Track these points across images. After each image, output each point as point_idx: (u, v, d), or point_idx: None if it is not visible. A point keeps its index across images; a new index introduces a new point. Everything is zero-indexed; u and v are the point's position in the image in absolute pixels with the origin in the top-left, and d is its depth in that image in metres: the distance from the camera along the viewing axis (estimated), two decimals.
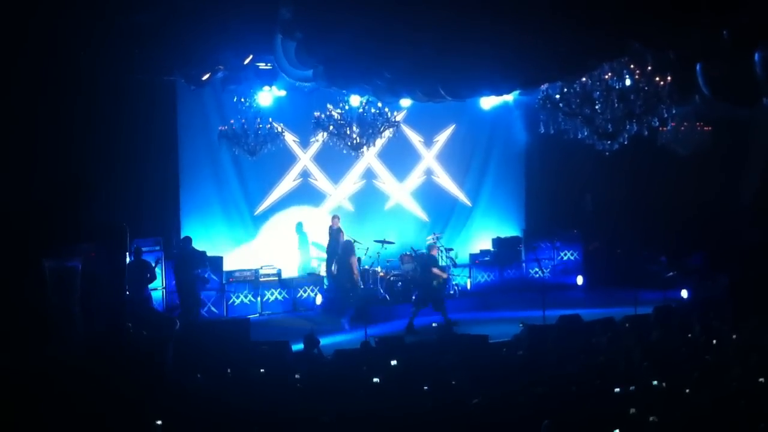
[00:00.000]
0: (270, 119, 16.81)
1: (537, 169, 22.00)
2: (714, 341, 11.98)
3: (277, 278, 18.54)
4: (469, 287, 19.93)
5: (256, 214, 19.33)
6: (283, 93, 17.38)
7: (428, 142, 21.25)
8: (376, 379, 10.16)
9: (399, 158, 20.76)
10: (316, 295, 18.48)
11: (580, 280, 21.00)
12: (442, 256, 19.46)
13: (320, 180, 20.02)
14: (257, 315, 17.94)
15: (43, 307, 11.89)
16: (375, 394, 9.52)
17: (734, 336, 12.29)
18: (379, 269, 18.70)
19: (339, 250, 17.50)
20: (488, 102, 19.83)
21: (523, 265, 21.13)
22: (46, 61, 13.09)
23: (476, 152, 21.90)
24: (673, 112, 12.93)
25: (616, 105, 12.00)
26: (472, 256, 20.45)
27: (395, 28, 11.40)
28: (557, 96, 12.48)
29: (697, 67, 11.70)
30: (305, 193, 19.90)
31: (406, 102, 17.84)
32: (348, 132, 15.73)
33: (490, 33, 10.95)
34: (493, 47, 11.25)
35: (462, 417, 8.29)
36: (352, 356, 11.90)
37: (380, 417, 8.31)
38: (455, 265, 19.64)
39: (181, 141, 18.15)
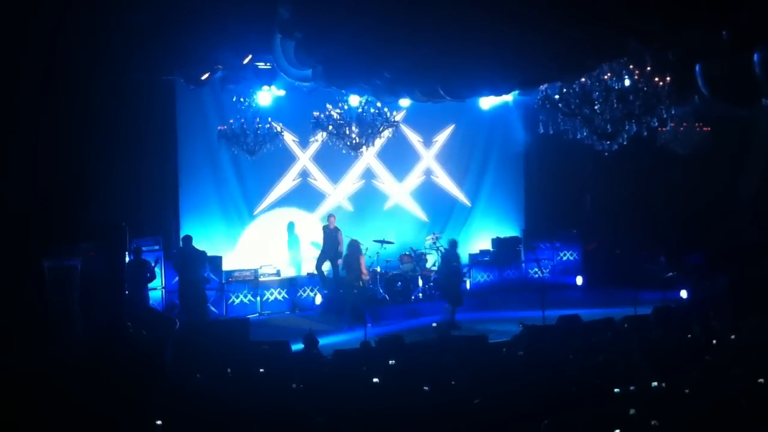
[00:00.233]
0: (269, 119, 16.80)
1: (536, 170, 22.01)
2: (714, 341, 11.98)
3: (276, 278, 18.56)
4: (468, 287, 19.91)
5: (255, 213, 19.33)
6: (282, 93, 17.38)
7: (427, 142, 21.25)
8: (375, 379, 10.16)
9: (398, 158, 20.76)
10: (315, 294, 18.47)
11: (579, 280, 21.01)
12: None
13: (319, 180, 20.02)
14: (257, 315, 17.95)
15: (43, 307, 11.90)
16: (375, 394, 9.52)
17: (734, 336, 12.29)
18: (378, 269, 18.70)
19: (345, 250, 17.54)
20: (487, 102, 19.83)
21: (523, 265, 21.16)
22: (46, 60, 13.08)
23: (475, 152, 21.90)
24: (673, 112, 12.93)
25: (616, 105, 12.00)
26: (472, 256, 20.46)
27: (394, 28, 11.40)
28: (556, 96, 12.48)
29: (697, 68, 11.71)
30: (304, 193, 19.90)
31: (405, 102, 17.84)
32: (347, 132, 15.72)
33: (490, 33, 10.94)
34: (492, 47, 11.25)
35: (462, 417, 8.30)
36: (351, 356, 11.90)
37: (380, 417, 8.31)
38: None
39: (180, 140, 18.14)
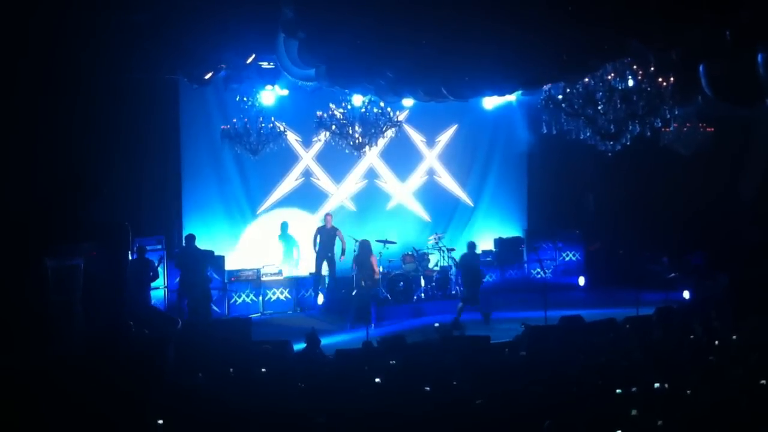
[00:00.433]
0: (272, 118, 16.82)
1: (539, 170, 21.97)
2: (715, 342, 11.96)
3: (278, 277, 18.56)
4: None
5: (258, 213, 19.33)
6: (285, 92, 17.40)
7: (430, 142, 21.24)
8: (377, 380, 10.15)
9: (401, 158, 20.75)
10: (317, 294, 18.45)
11: (581, 280, 20.97)
12: (444, 256, 19.52)
13: (322, 179, 20.03)
14: (259, 314, 17.95)
15: (45, 306, 11.92)
16: (376, 395, 9.51)
17: (735, 336, 12.26)
18: (380, 269, 18.67)
19: (356, 250, 17.52)
20: (491, 102, 19.83)
21: (525, 265, 21.13)
22: (48, 60, 13.09)
23: (478, 152, 21.88)
24: (676, 112, 12.90)
25: (619, 106, 11.99)
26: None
27: (397, 28, 11.40)
28: (560, 96, 12.47)
29: (700, 68, 11.69)
30: (307, 193, 19.90)
31: (408, 102, 17.85)
32: (350, 131, 15.73)
33: (492, 33, 10.94)
34: (495, 47, 11.25)
35: (464, 417, 8.29)
36: (353, 356, 11.88)
37: (381, 417, 8.30)
38: (457, 266, 19.62)
39: (183, 140, 18.18)
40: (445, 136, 21.38)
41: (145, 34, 13.03)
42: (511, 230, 21.83)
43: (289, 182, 19.67)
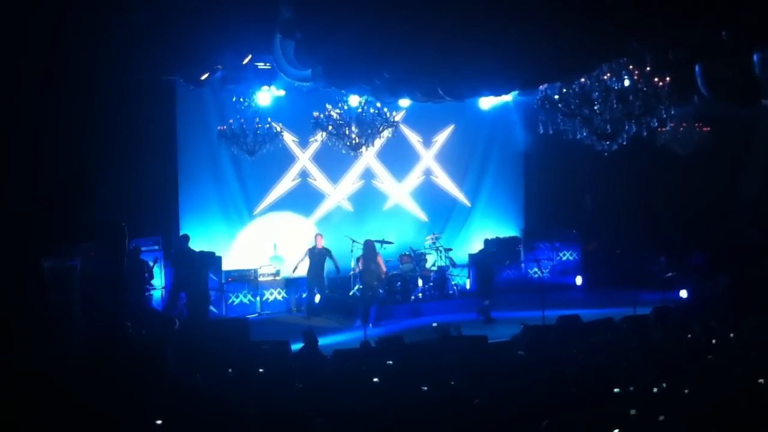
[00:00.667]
0: (269, 119, 16.83)
1: (536, 170, 22.02)
2: (714, 341, 11.98)
3: (276, 278, 18.57)
4: (468, 287, 19.91)
5: (254, 213, 19.33)
6: (282, 93, 17.40)
7: (427, 142, 21.26)
8: (375, 379, 10.16)
9: (398, 158, 20.77)
10: (315, 294, 18.45)
11: (579, 280, 21.01)
12: (441, 256, 19.55)
13: (319, 180, 20.03)
14: (256, 315, 17.96)
15: (43, 307, 11.91)
16: (375, 395, 9.52)
17: (734, 336, 12.29)
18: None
19: (362, 250, 17.60)
20: (487, 102, 19.87)
21: (523, 265, 21.16)
22: (46, 60, 13.08)
23: (475, 152, 21.92)
24: (672, 112, 12.94)
25: (615, 105, 12.02)
26: (471, 257, 20.42)
27: (395, 28, 11.40)
28: (556, 96, 12.51)
29: (696, 68, 11.72)
30: (304, 193, 19.90)
31: (405, 102, 17.87)
32: (347, 132, 15.72)
33: (490, 33, 10.95)
34: (492, 47, 11.25)
35: (462, 417, 8.29)
36: (351, 356, 11.90)
37: (380, 417, 8.31)
38: (454, 266, 19.67)
39: (180, 140, 18.15)
40: (442, 137, 21.40)
41: (143, 35, 13.05)
42: (508, 230, 21.88)
43: (286, 183, 19.66)
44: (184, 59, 14.47)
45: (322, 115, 15.81)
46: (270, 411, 8.59)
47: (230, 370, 10.89)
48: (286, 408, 8.80)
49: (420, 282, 18.83)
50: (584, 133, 12.52)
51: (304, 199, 19.89)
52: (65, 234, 12.54)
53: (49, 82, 13.58)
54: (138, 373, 10.51)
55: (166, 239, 17.47)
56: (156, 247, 16.86)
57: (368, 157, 19.86)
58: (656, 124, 12.76)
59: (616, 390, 9.21)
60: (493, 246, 18.97)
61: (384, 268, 17.59)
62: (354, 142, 15.78)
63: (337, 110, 15.71)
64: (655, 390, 9.20)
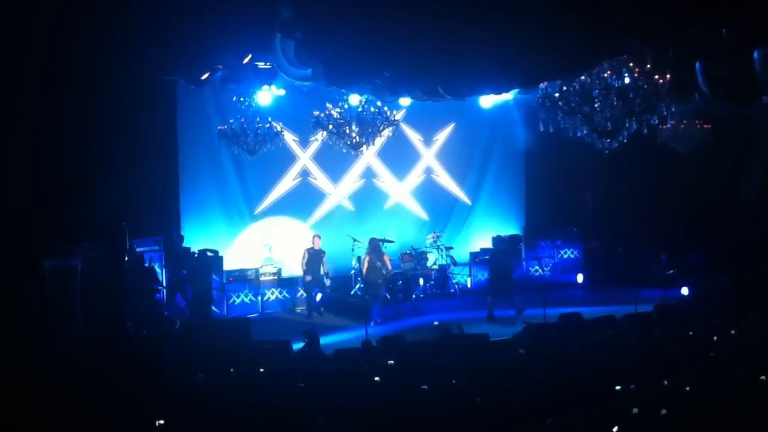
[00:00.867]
0: (269, 118, 16.81)
1: (537, 168, 22.00)
2: (714, 339, 11.98)
3: (277, 277, 18.57)
4: (469, 285, 19.93)
5: (255, 213, 19.32)
6: (282, 92, 17.38)
7: (428, 141, 21.25)
8: (377, 378, 10.16)
9: (399, 157, 20.76)
10: (316, 294, 18.44)
11: (580, 278, 21.00)
12: (443, 254, 19.55)
13: (320, 179, 20.02)
14: (257, 314, 17.95)
15: (43, 307, 11.91)
16: (376, 394, 9.51)
17: (735, 334, 12.28)
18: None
19: (367, 248, 17.59)
20: (488, 100, 19.83)
21: (524, 263, 21.14)
22: (46, 60, 13.08)
23: (476, 151, 21.90)
24: (673, 110, 12.94)
25: (616, 103, 12.01)
26: (473, 255, 20.42)
27: (395, 27, 11.39)
28: (557, 94, 12.50)
29: (697, 66, 11.71)
30: (305, 193, 19.89)
31: (405, 101, 17.86)
32: (347, 131, 15.70)
33: (490, 31, 10.94)
34: (493, 46, 11.24)
35: (463, 416, 8.29)
36: (352, 355, 11.90)
37: (381, 416, 8.31)
38: (455, 264, 19.67)
39: (181, 140, 18.16)
40: (443, 135, 21.39)
41: (143, 35, 13.04)
42: (510, 228, 21.84)
43: (287, 182, 19.65)
44: (185, 59, 14.46)
45: (322, 115, 15.79)
46: (271, 410, 8.59)
47: (232, 369, 10.89)
48: (287, 407, 8.80)
49: (421, 281, 18.83)
50: (585, 131, 12.51)
51: (304, 198, 19.88)
52: (66, 234, 12.54)
53: (49, 82, 13.60)
54: (138, 373, 10.51)
55: (167, 239, 17.45)
56: (156, 248, 16.84)
57: (369, 156, 19.86)
58: (657, 121, 12.77)
59: (617, 388, 9.21)
60: (502, 243, 18.93)
61: (390, 266, 17.59)
62: (354, 141, 15.76)
63: (338, 109, 15.69)
64: (656, 388, 9.19)
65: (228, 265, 18.07)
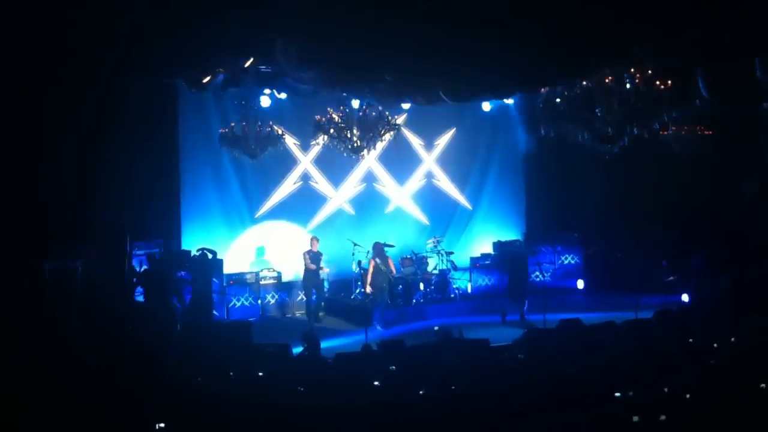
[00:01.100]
0: (270, 122, 16.78)
1: (537, 173, 22.02)
2: (715, 344, 11.95)
3: (277, 281, 18.57)
4: (469, 291, 19.92)
5: (256, 217, 19.32)
6: (283, 96, 17.41)
7: (429, 146, 21.25)
8: (376, 382, 10.15)
9: (399, 161, 20.74)
10: (315, 295, 18.41)
11: (580, 283, 21.00)
12: (443, 259, 19.55)
13: (321, 183, 20.03)
14: (258, 318, 17.94)
15: (44, 307, 11.92)
16: (376, 397, 9.50)
17: (735, 336, 12.26)
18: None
19: (371, 252, 17.59)
20: (489, 105, 19.84)
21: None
22: (47, 62, 13.09)
23: (477, 155, 21.91)
24: (673, 114, 12.94)
25: (616, 108, 12.02)
26: (473, 260, 20.41)
27: (396, 33, 11.41)
28: (558, 99, 12.51)
29: (698, 71, 11.73)
30: (306, 197, 19.89)
31: (406, 105, 17.86)
32: (348, 135, 15.69)
33: (492, 37, 10.97)
34: (493, 51, 11.27)
35: (463, 420, 8.29)
36: (353, 359, 11.88)
37: (381, 420, 8.31)
38: (456, 269, 19.65)
39: (182, 144, 18.18)
40: (444, 140, 21.39)
41: (144, 38, 13.04)
42: (510, 233, 21.85)
43: (288, 186, 19.66)
44: (186, 62, 14.45)
45: (323, 119, 15.77)
46: (271, 414, 8.58)
47: (231, 372, 10.88)
48: (287, 411, 8.79)
49: (421, 285, 18.81)
50: (585, 136, 12.53)
51: (305, 202, 19.89)
52: (67, 236, 12.56)
53: (50, 84, 13.59)
54: (138, 373, 10.49)
55: (168, 243, 17.45)
56: (157, 251, 16.83)
57: (370, 160, 19.82)
58: (657, 126, 12.77)
59: (617, 394, 9.20)
60: (521, 247, 18.96)
61: (394, 271, 17.58)
62: (355, 145, 15.75)
63: (339, 113, 15.69)
64: (656, 391, 9.18)
65: (228, 268, 18.07)
